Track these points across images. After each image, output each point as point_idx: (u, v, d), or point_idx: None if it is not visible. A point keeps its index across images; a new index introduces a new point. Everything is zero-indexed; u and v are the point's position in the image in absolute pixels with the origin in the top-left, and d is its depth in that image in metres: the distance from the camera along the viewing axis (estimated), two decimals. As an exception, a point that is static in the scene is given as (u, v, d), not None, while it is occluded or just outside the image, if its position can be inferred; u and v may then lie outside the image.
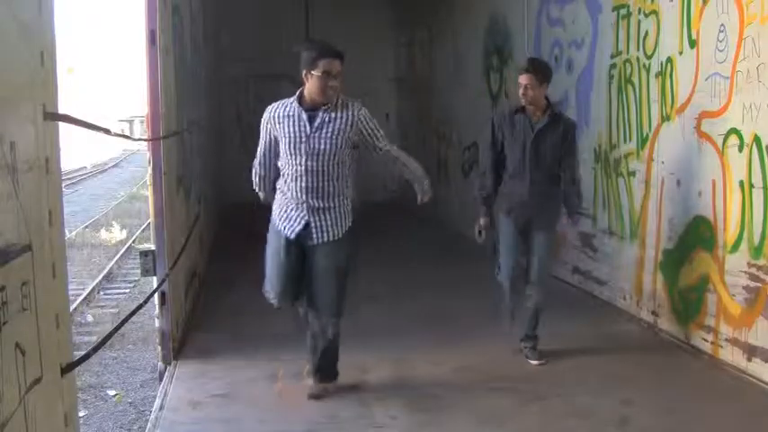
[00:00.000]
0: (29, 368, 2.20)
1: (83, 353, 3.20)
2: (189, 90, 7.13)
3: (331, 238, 4.17)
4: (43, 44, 2.51)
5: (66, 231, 9.80)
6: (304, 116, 4.11)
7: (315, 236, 4.14)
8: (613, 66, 6.25)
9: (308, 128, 4.10)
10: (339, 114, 4.13)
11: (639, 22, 5.81)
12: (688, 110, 5.23)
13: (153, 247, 5.13)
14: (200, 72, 8.76)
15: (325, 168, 4.12)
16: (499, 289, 5.16)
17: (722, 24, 4.80)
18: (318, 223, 4.15)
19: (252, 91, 13.27)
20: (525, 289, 5.05)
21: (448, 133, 11.05)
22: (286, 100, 4.23)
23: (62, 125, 2.72)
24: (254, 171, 4.40)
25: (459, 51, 10.45)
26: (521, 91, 4.95)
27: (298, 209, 4.16)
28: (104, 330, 6.75)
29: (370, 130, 4.22)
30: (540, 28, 7.71)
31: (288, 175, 4.16)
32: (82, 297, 8.76)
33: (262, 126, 4.28)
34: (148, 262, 5.06)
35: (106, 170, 31.53)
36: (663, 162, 5.58)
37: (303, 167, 4.10)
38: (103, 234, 13.89)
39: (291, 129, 4.11)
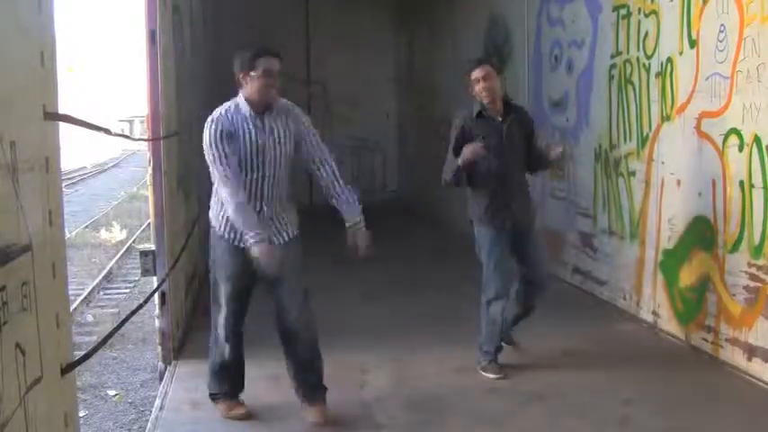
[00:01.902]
0: (29, 368, 2.20)
1: (83, 353, 3.20)
2: (189, 90, 7.13)
3: (286, 239, 3.98)
4: (43, 44, 2.51)
5: (67, 231, 9.78)
6: (255, 122, 3.83)
7: (274, 238, 3.91)
8: (613, 66, 6.25)
9: (259, 134, 3.83)
10: (284, 118, 3.91)
11: (639, 22, 5.81)
12: (688, 110, 5.23)
13: (153, 247, 5.13)
14: (200, 71, 8.76)
15: (281, 174, 3.91)
16: (490, 320, 4.74)
17: (722, 24, 4.80)
18: (274, 228, 3.94)
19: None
20: (521, 296, 4.81)
21: (448, 133, 11.03)
22: (221, 112, 3.85)
23: (62, 125, 2.72)
24: (232, 205, 3.78)
25: (458, 51, 10.44)
26: (479, 86, 4.59)
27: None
28: (104, 330, 6.75)
29: (312, 138, 3.98)
30: (539, 28, 7.71)
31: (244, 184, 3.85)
32: (82, 297, 8.75)
33: (213, 149, 3.77)
34: (148, 262, 5.06)
35: (106, 170, 31.52)
36: (663, 162, 5.58)
37: (260, 177, 3.85)
38: (103, 234, 13.88)
39: (244, 138, 3.80)
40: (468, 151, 4.55)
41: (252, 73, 3.78)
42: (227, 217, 3.86)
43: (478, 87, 4.59)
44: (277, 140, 3.86)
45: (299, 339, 4.07)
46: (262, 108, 3.85)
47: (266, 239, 3.76)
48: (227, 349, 4.14)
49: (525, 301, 4.83)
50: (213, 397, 4.25)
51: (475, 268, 4.89)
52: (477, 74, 4.58)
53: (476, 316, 4.85)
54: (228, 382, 4.23)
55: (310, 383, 4.12)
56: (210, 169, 3.85)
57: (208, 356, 4.29)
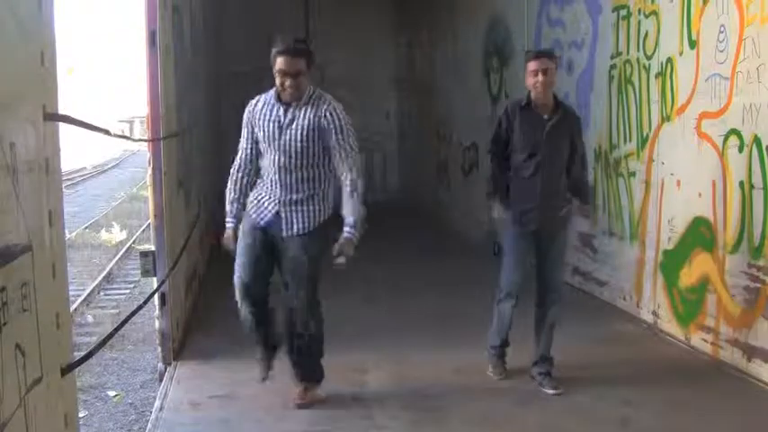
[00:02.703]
0: (29, 369, 2.20)
1: (83, 353, 3.20)
2: (189, 90, 7.13)
3: (300, 231, 4.07)
4: (43, 44, 2.51)
5: (67, 232, 9.79)
6: (279, 110, 4.03)
7: (284, 227, 4.07)
8: (613, 66, 6.26)
9: (281, 123, 4.02)
10: (308, 110, 4.01)
11: (639, 22, 5.81)
12: (688, 110, 5.23)
13: (153, 247, 5.13)
14: (200, 72, 8.76)
15: (297, 164, 4.04)
16: (499, 316, 4.71)
17: (722, 25, 4.81)
18: (288, 215, 4.07)
19: (251, 91, 13.25)
20: (538, 302, 4.65)
21: (448, 133, 11.05)
22: (266, 94, 4.14)
23: (62, 126, 2.72)
24: (230, 177, 4.24)
25: (459, 52, 10.45)
26: (533, 79, 4.41)
27: (270, 199, 4.09)
28: (104, 331, 6.74)
29: (337, 128, 4.03)
30: (540, 28, 7.71)
31: (264, 167, 4.13)
32: (82, 298, 8.75)
33: (243, 124, 4.18)
34: (148, 263, 5.06)
35: (106, 171, 31.52)
36: (663, 163, 5.58)
37: (276, 163, 4.04)
38: (104, 235, 13.87)
39: (267, 123, 4.05)
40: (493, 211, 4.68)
41: (274, 69, 3.96)
42: (256, 197, 4.16)
43: (533, 80, 4.41)
44: (295, 130, 4.00)
45: (296, 321, 4.20)
46: (289, 100, 4.01)
47: (232, 228, 4.17)
48: (242, 312, 4.23)
49: (538, 304, 4.67)
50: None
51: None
52: (533, 66, 4.40)
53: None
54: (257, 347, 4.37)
55: (298, 364, 4.31)
56: None
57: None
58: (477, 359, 5.00)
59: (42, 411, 2.31)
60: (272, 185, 4.08)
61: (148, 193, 5.32)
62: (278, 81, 3.96)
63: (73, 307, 7.96)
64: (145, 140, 5.33)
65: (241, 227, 4.19)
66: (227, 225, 4.18)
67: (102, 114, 35.90)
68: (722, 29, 4.81)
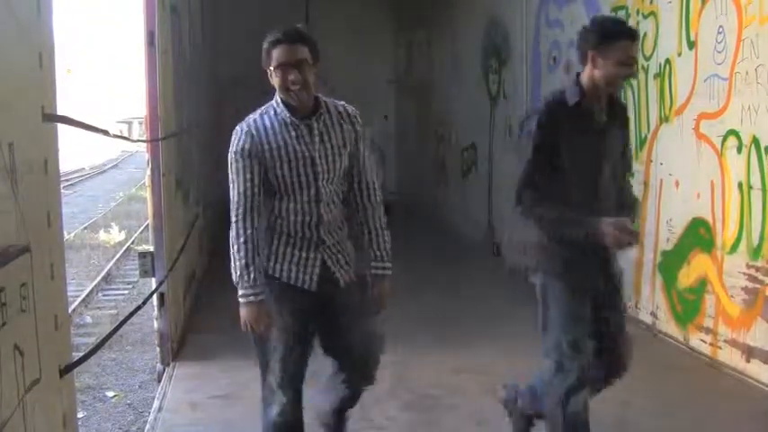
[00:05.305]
0: (27, 369, 2.20)
1: (81, 354, 3.20)
2: (188, 91, 7.13)
3: (353, 278, 3.17)
4: (42, 45, 2.51)
5: (65, 233, 9.79)
6: (300, 128, 2.99)
7: (339, 276, 3.10)
8: (612, 67, 6.25)
9: (309, 142, 2.99)
10: (330, 117, 3.08)
11: (638, 23, 5.81)
12: (687, 111, 5.24)
13: (152, 248, 5.13)
14: (199, 72, 8.76)
15: (335, 191, 3.09)
16: (569, 421, 3.32)
17: (721, 26, 4.81)
18: (335, 259, 3.10)
19: (251, 91, 13.25)
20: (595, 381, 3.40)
21: (446, 134, 11.05)
22: (259, 115, 3.03)
23: (60, 126, 2.72)
24: (235, 236, 2.96)
25: (457, 53, 10.45)
26: (626, 70, 3.04)
27: (303, 248, 3.05)
28: (103, 332, 6.73)
29: (359, 134, 3.17)
30: (538, 29, 7.72)
31: (280, 209, 3.03)
32: (80, 298, 8.74)
33: (239, 160, 2.96)
34: (147, 263, 5.06)
35: (105, 171, 31.51)
36: (661, 163, 5.58)
37: (313, 196, 3.01)
38: (102, 235, 13.86)
39: (289, 149, 2.97)
40: (611, 237, 2.98)
41: (270, 68, 2.96)
42: (273, 248, 3.06)
43: (620, 70, 3.02)
44: (330, 149, 3.03)
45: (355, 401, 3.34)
46: (304, 110, 3.00)
47: (259, 302, 2.96)
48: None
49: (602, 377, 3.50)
50: None
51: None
52: (627, 49, 3.00)
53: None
54: None
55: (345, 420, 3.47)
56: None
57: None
58: (477, 360, 5.01)
59: (41, 412, 2.31)
60: (302, 228, 3.03)
61: (147, 193, 5.31)
62: (278, 80, 2.93)
63: (71, 307, 7.96)
64: (143, 141, 5.33)
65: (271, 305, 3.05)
66: (250, 299, 2.95)
67: (101, 115, 35.89)
68: (721, 30, 4.81)
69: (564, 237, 3.07)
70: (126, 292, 9.70)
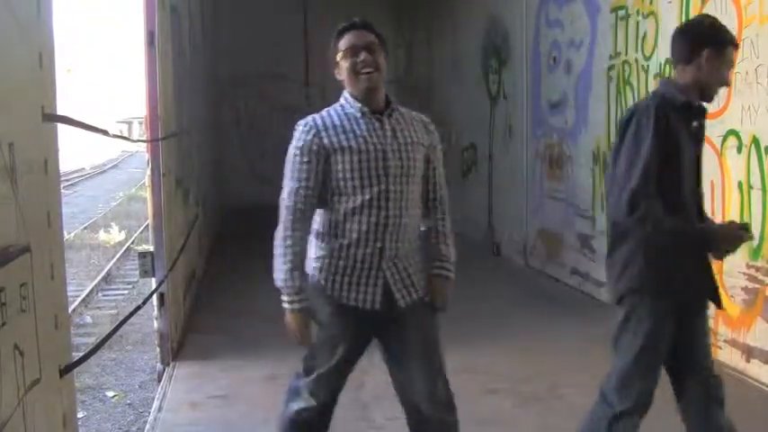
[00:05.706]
0: (27, 369, 2.20)
1: (81, 354, 3.20)
2: (188, 91, 7.13)
3: (420, 295, 2.87)
4: (42, 45, 2.51)
5: (65, 233, 9.79)
6: (374, 123, 2.78)
7: (400, 296, 2.81)
8: (612, 67, 6.26)
9: (376, 136, 2.77)
10: (409, 120, 2.91)
11: (638, 23, 5.82)
12: (686, 111, 5.23)
13: (152, 248, 5.13)
14: (199, 72, 8.76)
15: (409, 196, 2.82)
16: None
17: (721, 26, 4.81)
18: (399, 276, 2.82)
19: (250, 91, 13.27)
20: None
21: (446, 134, 11.05)
22: (327, 110, 2.85)
23: (60, 126, 2.72)
24: (282, 238, 2.75)
25: (457, 52, 10.45)
26: (729, 76, 2.91)
27: (366, 262, 2.78)
28: (103, 332, 6.73)
29: (436, 145, 3.02)
30: (538, 29, 7.72)
31: (349, 212, 2.76)
32: (80, 298, 8.74)
33: (296, 155, 2.76)
34: (147, 263, 5.06)
35: (105, 171, 31.53)
36: (661, 163, 5.58)
37: (384, 200, 2.75)
38: (102, 235, 13.86)
39: (361, 142, 2.74)
40: (729, 241, 2.91)
41: (338, 57, 2.83)
42: (325, 259, 2.81)
43: (726, 74, 2.88)
44: (402, 145, 2.81)
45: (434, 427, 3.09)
46: (375, 103, 2.82)
47: (301, 310, 2.77)
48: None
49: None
50: None
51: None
52: (732, 54, 2.88)
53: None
54: None
55: None
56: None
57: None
58: (478, 359, 5.01)
59: (41, 412, 2.31)
60: (367, 238, 2.75)
61: (147, 193, 5.32)
62: (348, 65, 2.76)
63: (71, 307, 7.96)
64: (143, 141, 5.33)
65: (318, 308, 2.85)
66: (294, 306, 2.76)
67: (101, 115, 35.91)
68: (721, 29, 4.81)
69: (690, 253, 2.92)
70: (126, 292, 9.70)
